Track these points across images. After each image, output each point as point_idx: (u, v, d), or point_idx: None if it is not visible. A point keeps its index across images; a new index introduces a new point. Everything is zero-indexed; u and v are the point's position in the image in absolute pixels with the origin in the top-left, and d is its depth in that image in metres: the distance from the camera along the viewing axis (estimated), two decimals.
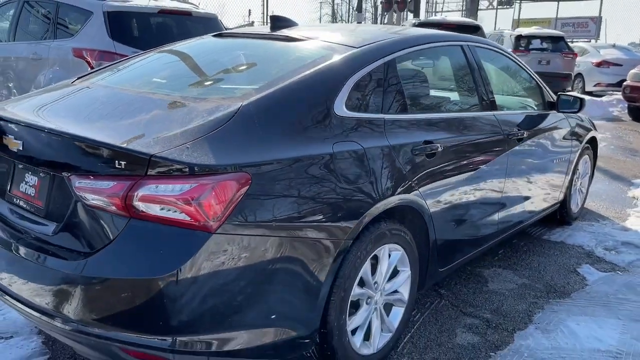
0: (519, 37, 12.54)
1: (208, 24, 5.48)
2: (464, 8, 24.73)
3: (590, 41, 19.96)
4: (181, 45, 2.94)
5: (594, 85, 14.04)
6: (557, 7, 24.08)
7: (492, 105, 3.07)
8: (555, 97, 3.72)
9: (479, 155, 2.83)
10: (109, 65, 2.82)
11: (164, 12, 5.29)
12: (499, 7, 26.28)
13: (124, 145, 1.68)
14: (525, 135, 3.25)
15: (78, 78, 2.63)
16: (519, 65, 3.61)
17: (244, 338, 1.78)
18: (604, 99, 12.61)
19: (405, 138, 2.34)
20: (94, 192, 1.70)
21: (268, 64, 2.49)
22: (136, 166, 1.65)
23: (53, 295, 1.75)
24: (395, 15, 21.90)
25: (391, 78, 2.40)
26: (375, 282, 2.27)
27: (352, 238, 2.03)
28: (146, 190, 1.64)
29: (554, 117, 3.72)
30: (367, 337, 2.30)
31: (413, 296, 2.51)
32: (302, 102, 2.03)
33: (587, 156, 4.42)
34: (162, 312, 1.62)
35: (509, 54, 3.54)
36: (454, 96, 3.11)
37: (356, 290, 2.14)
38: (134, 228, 1.66)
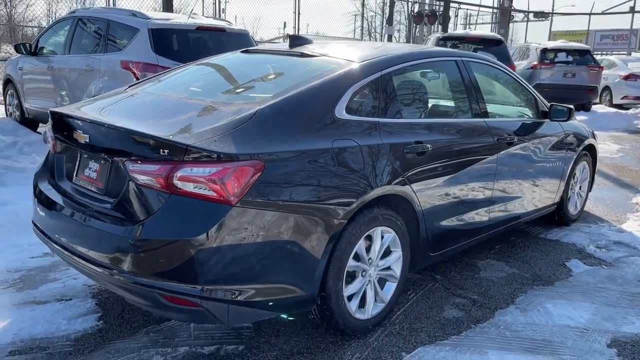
0: (544, 50, 12.69)
1: (240, 39, 6.07)
2: (494, 21, 24.89)
3: (630, 54, 19.81)
4: (214, 60, 3.48)
5: (622, 98, 14.16)
6: (589, 20, 23.99)
7: (484, 113, 3.49)
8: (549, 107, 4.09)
9: (468, 156, 3.25)
10: (154, 76, 3.38)
11: (201, 29, 5.91)
12: (534, 19, 26.24)
13: (167, 137, 2.18)
14: (515, 139, 3.64)
15: (129, 86, 3.20)
16: (514, 78, 4.01)
17: (258, 292, 2.26)
18: (629, 111, 12.73)
19: (398, 138, 2.79)
20: (144, 174, 2.21)
21: (283, 75, 3.00)
22: (176, 153, 2.15)
23: (111, 253, 2.26)
24: (425, 28, 22.33)
25: (387, 88, 2.86)
26: (370, 259, 2.71)
27: (347, 219, 2.48)
28: (183, 172, 2.14)
29: (547, 125, 4.09)
30: (362, 305, 2.74)
31: (405, 273, 2.94)
32: (308, 106, 2.51)
33: (585, 162, 4.74)
34: (194, 265, 2.11)
35: (504, 68, 3.95)
36: (446, 104, 3.55)
37: (351, 262, 2.59)
38: (173, 201, 2.16)
